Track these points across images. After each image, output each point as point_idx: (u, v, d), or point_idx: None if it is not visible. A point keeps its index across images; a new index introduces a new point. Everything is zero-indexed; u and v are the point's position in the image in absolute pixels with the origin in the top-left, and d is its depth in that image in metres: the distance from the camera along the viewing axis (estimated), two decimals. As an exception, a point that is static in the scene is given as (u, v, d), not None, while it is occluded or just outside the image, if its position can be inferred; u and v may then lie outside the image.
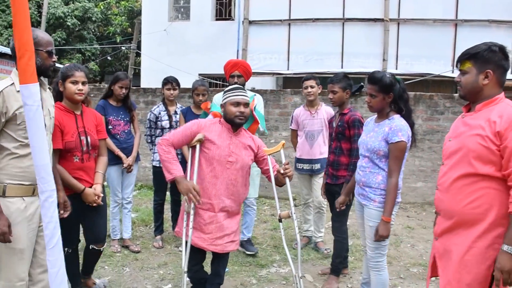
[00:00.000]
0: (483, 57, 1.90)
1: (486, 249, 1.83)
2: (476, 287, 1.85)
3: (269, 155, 2.94)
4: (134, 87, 7.64)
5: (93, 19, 16.50)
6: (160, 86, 4.59)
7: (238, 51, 8.67)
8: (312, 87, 4.22)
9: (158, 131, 4.39)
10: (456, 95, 6.43)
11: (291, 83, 9.30)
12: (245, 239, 4.21)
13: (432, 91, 7.61)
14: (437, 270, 2.11)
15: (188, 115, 4.27)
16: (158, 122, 4.35)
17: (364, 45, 7.97)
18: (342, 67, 7.97)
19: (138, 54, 12.05)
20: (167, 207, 5.04)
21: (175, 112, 4.41)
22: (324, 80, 4.29)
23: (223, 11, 11.02)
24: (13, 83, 2.18)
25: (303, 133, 4.33)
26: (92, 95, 7.29)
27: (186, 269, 2.77)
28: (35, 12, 14.48)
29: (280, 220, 2.88)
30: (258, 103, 4.13)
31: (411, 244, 4.63)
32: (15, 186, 2.20)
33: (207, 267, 3.43)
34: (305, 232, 4.57)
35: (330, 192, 3.60)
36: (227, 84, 4.02)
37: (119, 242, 4.26)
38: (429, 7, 7.97)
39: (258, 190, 4.20)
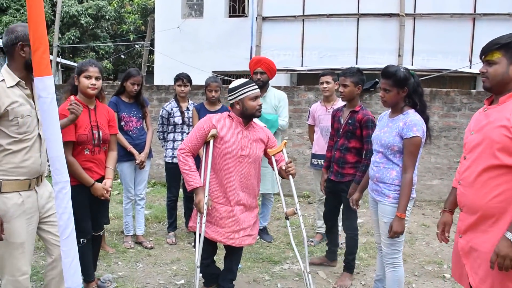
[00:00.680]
0: None
1: None
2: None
3: (272, 155, 3.00)
4: (147, 85, 7.68)
5: (107, 17, 16.62)
6: (173, 83, 4.60)
7: (251, 47, 8.64)
8: (328, 83, 4.20)
9: (170, 127, 4.39)
10: (474, 91, 6.29)
11: (305, 79, 9.23)
12: (261, 227, 4.41)
13: (449, 87, 7.48)
14: (460, 268, 2.05)
15: (201, 111, 4.28)
16: (171, 119, 4.35)
17: (379, 41, 7.86)
18: (356, 63, 7.87)
19: (151, 52, 12.11)
20: (180, 204, 5.06)
21: (187, 108, 4.41)
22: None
23: (237, 7, 10.98)
24: (3, 79, 2.18)
25: (319, 129, 4.32)
26: (106, 93, 7.35)
27: (199, 264, 2.78)
28: (49, 11, 14.64)
29: (286, 218, 2.89)
30: (280, 104, 4.32)
31: (426, 242, 4.55)
32: (11, 181, 2.21)
33: (220, 263, 3.42)
34: (318, 229, 4.53)
35: (334, 189, 3.55)
36: None
37: (132, 239, 4.28)
38: (446, 1, 7.82)
39: (276, 186, 4.29)
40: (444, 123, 6.20)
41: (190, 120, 4.36)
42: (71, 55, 16.18)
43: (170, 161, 4.35)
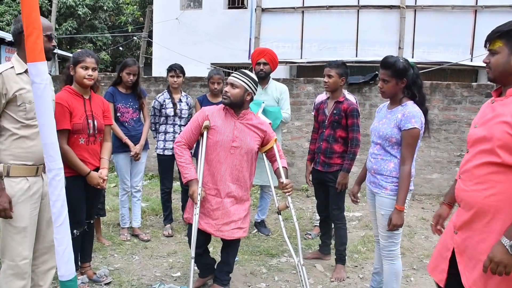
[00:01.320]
0: None
1: None
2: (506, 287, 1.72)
3: (263, 153, 3.01)
4: (145, 76, 7.61)
5: (105, 8, 16.47)
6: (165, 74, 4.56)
7: (250, 39, 8.56)
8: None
9: (162, 119, 4.34)
10: (475, 84, 6.24)
11: (305, 72, 9.17)
12: (259, 220, 4.46)
13: (450, 80, 7.41)
14: (439, 261, 2.00)
15: (204, 102, 4.30)
16: (163, 110, 4.30)
17: (379, 33, 7.80)
18: (356, 56, 7.82)
19: (150, 44, 12.01)
20: (178, 196, 5.03)
21: (180, 100, 4.37)
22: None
23: (236, -1, 10.89)
24: (13, 66, 2.27)
25: None
26: (103, 84, 7.29)
27: (193, 255, 2.77)
28: (46, 1, 14.50)
29: (278, 213, 2.87)
30: (281, 96, 4.27)
31: (425, 236, 4.53)
32: (19, 166, 2.27)
33: (217, 256, 3.39)
34: (316, 222, 4.51)
35: (321, 179, 3.58)
36: None
37: (128, 231, 4.24)
38: (447, -7, 7.74)
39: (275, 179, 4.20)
40: (444, 116, 6.15)
41: (182, 112, 4.33)
42: (68, 47, 16.06)
43: (162, 153, 4.31)
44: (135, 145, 4.02)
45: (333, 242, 3.81)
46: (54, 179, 1.74)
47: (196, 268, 3.19)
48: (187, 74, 6.92)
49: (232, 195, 2.89)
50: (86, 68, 2.85)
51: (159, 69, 10.47)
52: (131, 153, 4.00)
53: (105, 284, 3.17)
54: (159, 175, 4.53)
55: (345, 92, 4.21)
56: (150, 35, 11.28)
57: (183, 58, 8.88)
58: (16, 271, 2.27)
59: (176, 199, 5.07)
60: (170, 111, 4.28)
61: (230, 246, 3.12)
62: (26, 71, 2.26)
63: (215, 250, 3.88)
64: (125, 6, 17.27)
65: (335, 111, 3.43)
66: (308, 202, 5.77)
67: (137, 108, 4.14)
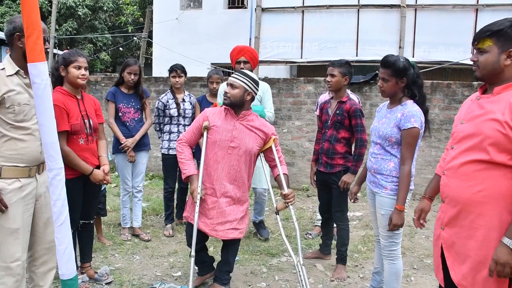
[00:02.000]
0: (506, 34, 1.71)
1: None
2: (494, 283, 1.73)
3: (262, 152, 3.00)
4: (145, 76, 7.61)
5: (105, 8, 16.49)
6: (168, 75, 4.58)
7: (250, 39, 8.56)
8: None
9: (166, 119, 4.37)
10: (476, 83, 6.22)
11: (306, 71, 9.16)
12: (257, 221, 4.31)
13: (451, 80, 7.40)
14: (437, 260, 2.01)
15: (203, 103, 4.34)
16: (166, 110, 4.32)
17: (379, 32, 7.77)
18: (357, 55, 7.80)
19: (150, 44, 12.02)
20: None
21: (183, 100, 4.39)
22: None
23: (236, -1, 10.89)
24: (3, 68, 2.24)
25: None
26: (103, 84, 7.30)
27: (193, 253, 2.79)
28: (46, 1, 14.51)
29: (277, 213, 2.86)
30: (263, 95, 4.01)
31: (425, 235, 4.52)
32: (11, 168, 2.25)
33: (217, 256, 3.39)
34: (317, 222, 4.50)
35: (324, 181, 3.54)
36: None
37: (129, 231, 4.25)
38: (448, -8, 7.71)
39: (265, 181, 3.98)
40: (445, 116, 6.14)
41: (186, 111, 4.35)
42: (68, 47, 16.05)
43: (166, 153, 4.36)
44: (136, 146, 4.03)
45: (334, 242, 3.81)
46: (55, 179, 1.74)
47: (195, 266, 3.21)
48: (188, 74, 6.95)
49: (229, 195, 2.89)
50: (79, 67, 2.86)
51: (159, 69, 10.49)
52: (121, 145, 3.96)
53: (106, 283, 3.18)
54: (163, 174, 4.55)
55: (349, 92, 4.20)
56: (150, 35, 11.28)
57: (183, 58, 8.86)
58: (8, 273, 2.25)
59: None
60: (174, 112, 4.30)
61: (230, 246, 3.12)
62: (17, 73, 2.25)
63: (215, 250, 3.88)
64: (125, 7, 17.27)
65: (337, 111, 3.39)
66: (308, 202, 5.77)
67: (139, 108, 4.15)
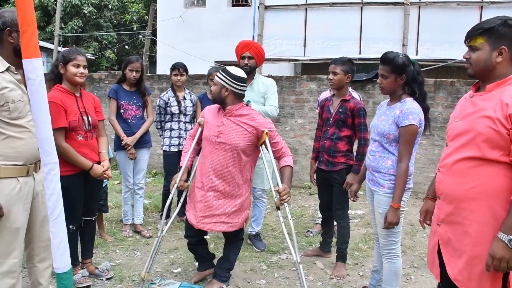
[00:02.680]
0: (498, 32, 1.74)
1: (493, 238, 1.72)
2: (488, 278, 1.75)
3: (260, 146, 2.99)
4: (148, 74, 7.64)
5: (110, 6, 16.56)
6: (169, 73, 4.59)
7: (253, 37, 8.56)
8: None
9: (167, 116, 4.39)
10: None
11: (309, 69, 9.15)
12: (253, 233, 4.07)
13: (456, 78, 7.34)
14: (433, 256, 2.03)
15: (204, 100, 4.36)
16: (168, 108, 4.34)
17: (383, 30, 7.74)
18: (360, 53, 7.79)
19: (154, 42, 12.05)
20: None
21: (184, 98, 4.41)
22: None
23: (240, -3, 10.88)
24: None
25: None
26: (107, 82, 7.34)
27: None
28: (51, 0, 14.58)
29: (278, 208, 2.83)
30: (268, 90, 3.91)
31: (427, 234, 4.47)
32: (9, 167, 2.20)
33: (218, 253, 3.40)
34: (318, 220, 4.50)
35: (325, 179, 3.52)
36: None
37: (131, 227, 4.28)
38: (452, -11, 7.67)
39: (266, 181, 3.94)
40: (448, 114, 6.10)
41: (187, 109, 4.36)
42: (74, 45, 16.14)
43: (168, 150, 4.37)
44: (137, 144, 4.05)
45: (334, 240, 3.80)
46: (50, 173, 1.75)
47: (195, 261, 3.32)
48: (191, 72, 6.96)
49: (217, 190, 2.91)
50: (78, 66, 2.88)
51: (163, 67, 10.51)
52: (122, 142, 3.99)
53: (107, 279, 3.20)
54: (164, 171, 4.57)
55: (350, 89, 4.18)
56: (154, 33, 11.31)
57: (187, 56, 8.89)
58: (5, 269, 2.25)
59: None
60: (175, 109, 4.32)
61: (232, 243, 3.15)
62: (8, 69, 2.19)
63: (215, 246, 3.90)
64: (130, 5, 17.33)
65: (340, 110, 3.36)
66: (310, 200, 5.77)
67: (141, 105, 4.17)
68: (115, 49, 17.03)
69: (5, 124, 2.18)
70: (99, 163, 3.04)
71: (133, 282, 3.19)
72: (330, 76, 3.39)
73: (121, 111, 4.04)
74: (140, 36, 15.55)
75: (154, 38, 10.75)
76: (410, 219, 4.92)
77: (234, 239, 3.13)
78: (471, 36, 1.82)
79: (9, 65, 2.20)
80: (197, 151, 3.19)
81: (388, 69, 2.57)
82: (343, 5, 7.97)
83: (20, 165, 2.25)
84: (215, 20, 10.45)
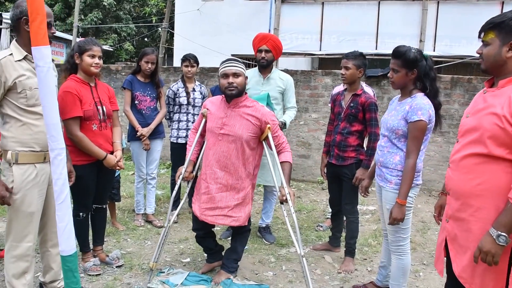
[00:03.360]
0: (508, 26, 1.71)
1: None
2: (492, 275, 1.74)
3: (263, 140, 2.99)
4: (164, 66, 7.70)
5: (129, -1, 16.70)
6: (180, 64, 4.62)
7: (270, 30, 8.53)
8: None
9: (176, 107, 4.40)
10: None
11: (327, 64, 9.08)
12: (263, 226, 4.09)
13: (475, 75, 7.21)
14: (439, 252, 2.03)
15: (216, 92, 4.33)
16: (176, 99, 4.36)
17: (400, 26, 7.61)
18: (376, 48, 7.69)
19: (173, 35, 12.13)
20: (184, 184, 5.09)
21: (193, 89, 4.41)
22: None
23: (257, -10, 10.84)
24: (11, 53, 2.27)
25: None
26: (123, 73, 7.43)
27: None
28: (72, -8, 14.76)
29: (281, 203, 2.82)
30: (287, 87, 3.92)
31: (438, 231, 4.45)
32: (27, 153, 2.31)
33: (228, 244, 3.45)
34: (329, 214, 4.49)
35: (335, 173, 3.52)
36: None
37: (142, 217, 4.35)
38: (473, -16, 7.49)
39: (272, 180, 3.96)
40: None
41: (196, 101, 4.37)
42: (93, 37, 16.36)
43: (175, 141, 4.38)
44: (151, 134, 4.11)
45: (343, 234, 3.81)
46: (56, 159, 1.79)
47: (204, 253, 3.35)
48: (208, 65, 7.00)
49: (220, 182, 2.92)
50: (93, 56, 2.92)
51: (180, 60, 10.59)
52: (137, 133, 4.04)
53: (117, 266, 3.27)
54: (171, 162, 4.61)
55: (363, 84, 4.14)
56: (172, 26, 11.39)
57: (204, 49, 8.93)
58: (19, 253, 2.34)
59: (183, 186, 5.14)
60: (183, 100, 4.33)
61: (239, 235, 3.17)
62: (25, 58, 2.28)
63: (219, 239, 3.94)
64: (149, -3, 17.45)
65: (352, 104, 3.35)
66: (322, 195, 5.76)
67: (155, 97, 4.22)
68: (134, 41, 17.20)
69: (23, 111, 2.28)
70: (112, 153, 3.10)
71: (142, 271, 3.25)
72: (342, 71, 3.37)
73: (136, 102, 4.10)
74: (159, 29, 15.66)
75: (172, 30, 10.82)
76: (422, 216, 4.88)
77: (241, 230, 3.15)
78: (483, 30, 1.81)
79: (26, 53, 2.28)
80: (202, 143, 3.19)
81: (399, 63, 2.55)
82: (360, 0, 7.87)
83: (38, 152, 2.33)
84: (232, 14, 10.45)
